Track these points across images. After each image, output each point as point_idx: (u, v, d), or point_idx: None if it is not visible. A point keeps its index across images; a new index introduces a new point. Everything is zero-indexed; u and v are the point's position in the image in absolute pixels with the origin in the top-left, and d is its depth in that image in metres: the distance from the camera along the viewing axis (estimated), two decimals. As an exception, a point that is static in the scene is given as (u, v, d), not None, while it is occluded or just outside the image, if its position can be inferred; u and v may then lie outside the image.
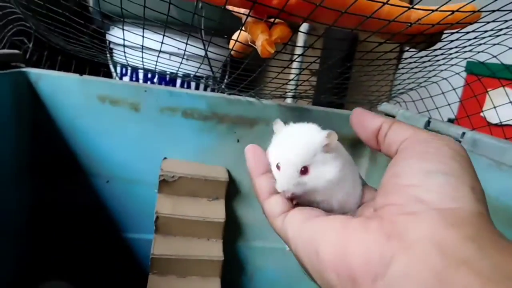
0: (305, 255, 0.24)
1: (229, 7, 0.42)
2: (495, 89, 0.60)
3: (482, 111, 0.63)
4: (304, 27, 0.76)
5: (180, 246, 0.60)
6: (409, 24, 0.37)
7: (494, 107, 0.57)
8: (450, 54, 0.49)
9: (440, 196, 0.20)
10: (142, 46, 0.54)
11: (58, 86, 0.59)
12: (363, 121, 0.28)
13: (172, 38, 0.48)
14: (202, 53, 0.51)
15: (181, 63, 0.58)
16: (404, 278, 0.18)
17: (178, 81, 0.94)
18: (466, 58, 0.52)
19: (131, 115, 0.61)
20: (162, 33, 0.47)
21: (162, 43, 0.49)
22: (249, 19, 0.38)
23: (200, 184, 0.62)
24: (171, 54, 0.75)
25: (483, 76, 0.83)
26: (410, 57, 0.49)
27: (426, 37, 0.41)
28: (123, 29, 0.49)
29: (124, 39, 0.50)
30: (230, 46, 0.49)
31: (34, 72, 0.58)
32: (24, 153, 0.59)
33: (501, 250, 0.18)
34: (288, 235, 0.26)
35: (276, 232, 0.28)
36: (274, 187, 0.28)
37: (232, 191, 0.67)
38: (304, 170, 0.28)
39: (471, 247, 0.18)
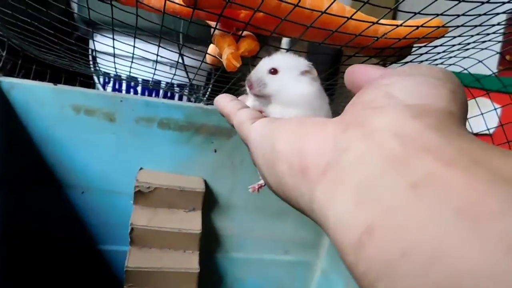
0: (261, 150, 0.24)
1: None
2: (469, 100, 0.61)
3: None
4: (286, 41, 0.76)
5: (155, 258, 0.59)
6: (376, 38, 0.37)
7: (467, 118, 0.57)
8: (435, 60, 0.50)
9: (413, 93, 0.19)
10: (114, 53, 0.53)
11: (32, 96, 0.58)
12: (366, 71, 0.25)
13: (155, 45, 0.47)
14: (184, 61, 0.50)
15: (154, 68, 0.57)
16: (358, 164, 0.17)
17: (161, 92, 0.94)
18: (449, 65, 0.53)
19: (106, 125, 0.61)
20: (145, 40, 0.46)
21: (135, 48, 0.49)
22: (217, 32, 0.38)
23: (177, 195, 0.62)
24: (154, 61, 0.75)
25: (466, 86, 0.83)
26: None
27: (396, 51, 0.42)
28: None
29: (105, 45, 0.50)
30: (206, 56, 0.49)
31: (6, 81, 0.57)
32: (-4, 164, 0.58)
33: (467, 139, 0.16)
34: (251, 137, 0.26)
35: (241, 138, 0.28)
36: (243, 106, 0.30)
37: (209, 202, 0.66)
38: (274, 71, 0.32)
39: (435, 135, 0.16)
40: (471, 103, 0.58)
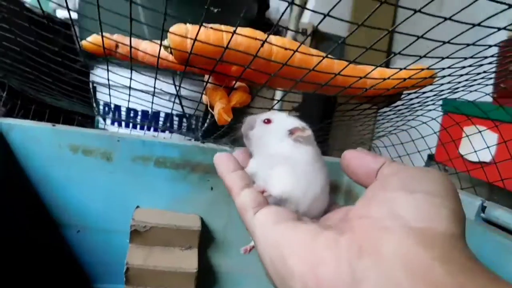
0: (270, 259, 0.24)
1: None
2: (470, 127, 0.62)
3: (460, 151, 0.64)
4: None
5: (151, 299, 0.59)
6: (365, 89, 0.38)
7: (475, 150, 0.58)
8: (414, 108, 0.51)
9: (417, 213, 0.20)
10: (109, 83, 0.54)
11: (30, 136, 0.59)
12: (363, 162, 0.27)
13: (149, 76, 0.48)
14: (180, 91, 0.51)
15: (153, 99, 0.58)
16: None
17: (160, 123, 0.95)
18: (430, 110, 0.53)
19: (103, 164, 0.61)
20: (145, 73, 0.47)
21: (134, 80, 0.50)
22: (209, 85, 0.39)
23: (173, 234, 0.62)
24: (154, 92, 0.76)
25: (458, 113, 0.85)
26: (375, 113, 0.50)
27: (386, 98, 0.43)
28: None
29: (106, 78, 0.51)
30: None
31: (5, 123, 0.58)
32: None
33: (469, 273, 0.18)
34: (256, 233, 0.26)
35: (245, 226, 0.28)
36: (246, 183, 0.29)
37: (206, 239, 0.66)
38: (267, 121, 0.32)
39: (441, 271, 0.18)
40: (474, 129, 0.59)
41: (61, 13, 1.07)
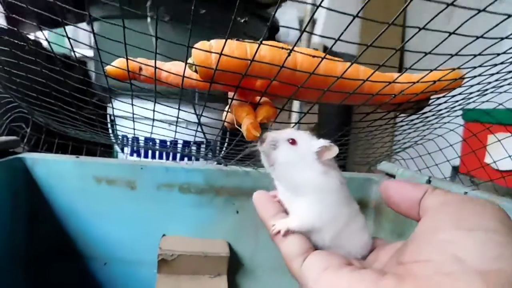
0: None
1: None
2: (496, 134, 0.60)
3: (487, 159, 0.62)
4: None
5: (182, 330, 0.57)
6: (393, 96, 0.37)
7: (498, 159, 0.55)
8: (442, 114, 0.49)
9: (480, 255, 0.19)
10: (133, 116, 0.54)
11: (54, 170, 0.59)
12: (404, 193, 0.27)
13: (170, 107, 0.48)
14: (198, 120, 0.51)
15: (175, 130, 0.58)
16: None
17: (179, 156, 0.95)
18: (458, 116, 0.52)
19: (127, 193, 0.61)
20: (163, 103, 0.47)
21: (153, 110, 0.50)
22: (234, 102, 0.39)
23: (201, 261, 0.60)
24: (170, 123, 0.77)
25: (483, 122, 0.83)
26: (401, 121, 0.49)
27: (413, 104, 0.41)
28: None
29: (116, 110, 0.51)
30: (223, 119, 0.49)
31: (30, 157, 0.58)
32: (19, 240, 0.58)
33: None
34: (308, 282, 0.24)
35: (293, 275, 0.27)
36: (289, 228, 0.28)
37: (234, 266, 0.64)
38: (292, 142, 0.30)
39: None
40: (500, 136, 0.57)
41: (77, 51, 1.11)
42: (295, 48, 0.34)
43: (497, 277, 0.18)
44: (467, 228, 0.20)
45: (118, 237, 0.61)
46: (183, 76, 0.35)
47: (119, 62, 0.37)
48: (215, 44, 0.33)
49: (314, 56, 0.32)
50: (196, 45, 0.33)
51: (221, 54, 0.31)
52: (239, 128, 0.38)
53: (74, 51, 0.39)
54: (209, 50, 0.32)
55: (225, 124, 0.51)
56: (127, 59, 0.35)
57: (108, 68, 0.37)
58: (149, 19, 0.83)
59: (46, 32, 0.39)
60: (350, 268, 0.24)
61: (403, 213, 0.27)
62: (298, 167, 0.30)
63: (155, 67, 0.35)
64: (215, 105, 0.56)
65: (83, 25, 1.01)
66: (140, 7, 0.78)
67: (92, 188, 0.60)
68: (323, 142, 0.30)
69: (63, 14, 0.33)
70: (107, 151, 0.84)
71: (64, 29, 0.37)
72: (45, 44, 0.44)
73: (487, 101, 0.49)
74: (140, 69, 0.38)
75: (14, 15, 0.35)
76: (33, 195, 0.59)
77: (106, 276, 0.62)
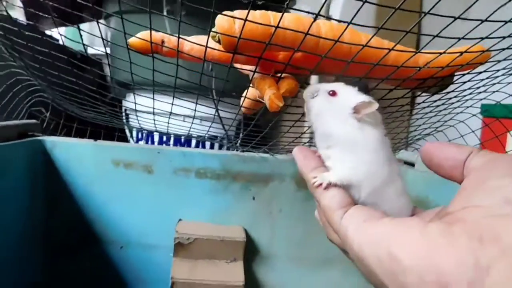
0: (373, 256, 0.22)
1: (236, 65, 0.43)
2: None
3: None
4: (314, 78, 0.77)
5: (198, 314, 0.56)
6: (418, 69, 0.36)
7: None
8: (464, 96, 0.48)
9: None
10: (154, 111, 0.55)
11: (73, 153, 0.60)
12: (448, 153, 0.26)
13: (185, 100, 0.48)
14: (214, 113, 0.51)
15: (192, 123, 0.58)
16: (504, 285, 0.17)
17: (193, 141, 0.95)
18: (481, 99, 0.51)
19: (144, 177, 0.61)
20: (175, 96, 0.48)
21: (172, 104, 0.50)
22: (256, 75, 0.38)
23: (217, 246, 0.60)
24: (185, 116, 0.77)
25: (501, 117, 0.81)
26: (423, 102, 0.48)
27: (437, 81, 0.41)
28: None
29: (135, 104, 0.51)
30: (241, 103, 0.49)
31: (49, 140, 0.59)
32: (38, 222, 0.58)
33: None
34: (348, 233, 0.24)
35: (333, 228, 0.26)
36: (331, 181, 0.28)
37: (250, 252, 0.64)
38: (333, 93, 0.30)
39: None
40: None
41: (92, 50, 1.12)
42: (319, 23, 0.34)
43: None
44: None
45: (135, 221, 0.61)
46: (206, 46, 0.35)
47: (142, 34, 0.37)
48: (239, 13, 0.33)
49: (340, 21, 0.32)
50: (219, 16, 0.33)
51: (245, 20, 0.31)
52: (261, 100, 0.37)
53: (85, 45, 0.40)
54: (233, 16, 0.32)
55: (243, 109, 0.51)
56: (150, 30, 0.35)
57: (131, 40, 0.37)
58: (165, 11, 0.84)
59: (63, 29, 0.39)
60: (395, 219, 0.23)
61: (446, 174, 0.26)
62: (331, 118, 0.29)
63: (179, 37, 0.35)
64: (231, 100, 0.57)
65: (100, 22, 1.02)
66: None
67: (110, 172, 0.60)
68: (363, 97, 0.29)
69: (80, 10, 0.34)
70: (124, 135, 0.85)
71: (78, 28, 0.38)
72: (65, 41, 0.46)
73: (497, 91, 0.48)
74: (163, 41, 0.38)
75: (33, 10, 0.36)
76: (51, 178, 0.59)
77: (122, 259, 0.62)
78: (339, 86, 0.31)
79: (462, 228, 0.19)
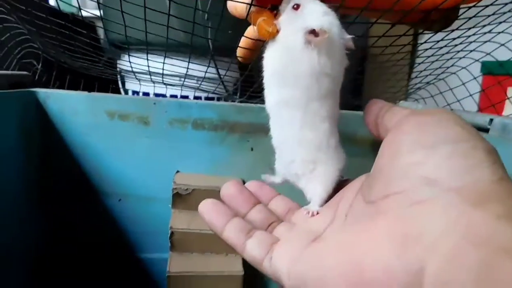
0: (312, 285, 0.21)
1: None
2: None
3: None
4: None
5: (198, 263, 0.57)
6: (423, -2, 0.35)
7: None
8: (468, 37, 0.47)
9: (451, 170, 0.17)
10: (149, 71, 0.53)
11: (67, 104, 0.58)
12: (367, 107, 0.26)
13: (180, 60, 0.47)
14: (210, 72, 0.50)
15: (183, 80, 0.57)
16: (444, 286, 0.15)
17: (191, 96, 0.94)
18: (485, 41, 0.49)
19: (140, 129, 0.60)
20: (172, 56, 0.46)
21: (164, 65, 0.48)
22: (253, 8, 0.37)
23: (215, 196, 0.58)
24: (181, 76, 0.75)
25: (501, 75, 0.79)
26: (426, 42, 0.47)
27: (441, 15, 0.39)
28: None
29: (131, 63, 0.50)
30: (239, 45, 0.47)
31: (42, 92, 0.57)
32: (33, 176, 0.58)
33: None
34: (283, 274, 0.23)
35: (269, 275, 0.25)
36: (246, 231, 0.27)
37: (249, 202, 0.64)
38: (297, 7, 0.29)
39: (507, 230, 0.14)
40: None
41: (84, 13, 1.08)
42: None
43: (472, 190, 0.16)
44: (430, 145, 0.18)
45: (132, 173, 0.61)
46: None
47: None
48: None
49: None
50: None
51: None
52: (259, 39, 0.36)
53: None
54: None
55: (238, 57, 0.49)
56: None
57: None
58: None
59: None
60: (315, 241, 0.23)
61: (372, 133, 0.26)
62: (285, 31, 0.29)
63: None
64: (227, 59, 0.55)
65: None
66: None
67: (105, 124, 0.59)
68: (322, 23, 0.27)
69: None
70: (119, 88, 0.83)
71: None
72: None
73: (502, 31, 0.46)
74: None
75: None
76: (45, 131, 0.58)
77: (120, 212, 0.62)
78: (305, 1, 0.29)
79: (384, 226, 0.18)
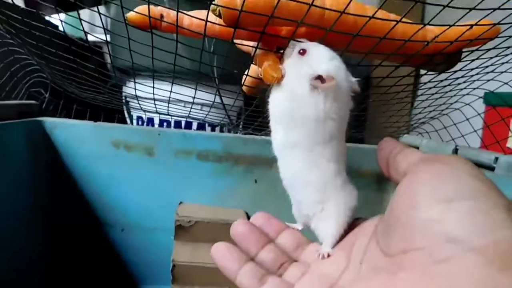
0: None
1: (238, 42, 0.42)
2: None
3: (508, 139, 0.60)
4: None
5: (199, 297, 0.56)
6: (426, 43, 0.35)
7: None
8: (472, 76, 0.47)
9: (472, 228, 0.16)
10: (154, 98, 0.54)
11: (73, 134, 0.59)
12: (380, 145, 0.26)
13: (186, 87, 0.48)
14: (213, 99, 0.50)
15: (190, 108, 0.57)
16: None
17: (194, 125, 0.94)
18: (488, 80, 0.50)
19: (145, 160, 0.60)
20: (177, 83, 0.47)
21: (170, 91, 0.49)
22: (258, 51, 0.37)
23: (219, 229, 0.59)
24: (185, 102, 0.76)
25: (503, 106, 0.79)
26: (429, 81, 0.47)
27: (445, 57, 0.40)
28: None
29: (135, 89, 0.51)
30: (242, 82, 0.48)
31: (49, 121, 0.58)
32: (40, 205, 0.58)
33: None
34: None
35: None
36: (259, 277, 0.27)
37: (252, 234, 0.63)
38: (303, 52, 0.29)
39: None
40: None
41: (91, 37, 1.11)
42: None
43: (496, 251, 0.15)
44: (449, 199, 0.18)
45: (136, 203, 0.61)
46: (206, 21, 0.34)
47: (141, 9, 0.36)
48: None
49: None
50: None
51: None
52: (262, 77, 0.36)
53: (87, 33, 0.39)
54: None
55: (244, 88, 0.50)
56: (148, 4, 0.34)
57: (129, 15, 0.36)
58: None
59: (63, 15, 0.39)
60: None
61: (383, 171, 0.25)
62: (291, 77, 0.30)
63: (178, 11, 0.34)
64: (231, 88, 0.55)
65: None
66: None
67: (111, 154, 0.60)
68: (329, 68, 0.27)
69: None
70: (124, 117, 0.84)
71: (79, 14, 0.37)
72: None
73: (505, 71, 0.47)
74: (162, 16, 0.37)
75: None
76: (52, 159, 0.59)
77: (123, 242, 0.62)
78: (312, 47, 0.29)
79: (407, 283, 0.17)
